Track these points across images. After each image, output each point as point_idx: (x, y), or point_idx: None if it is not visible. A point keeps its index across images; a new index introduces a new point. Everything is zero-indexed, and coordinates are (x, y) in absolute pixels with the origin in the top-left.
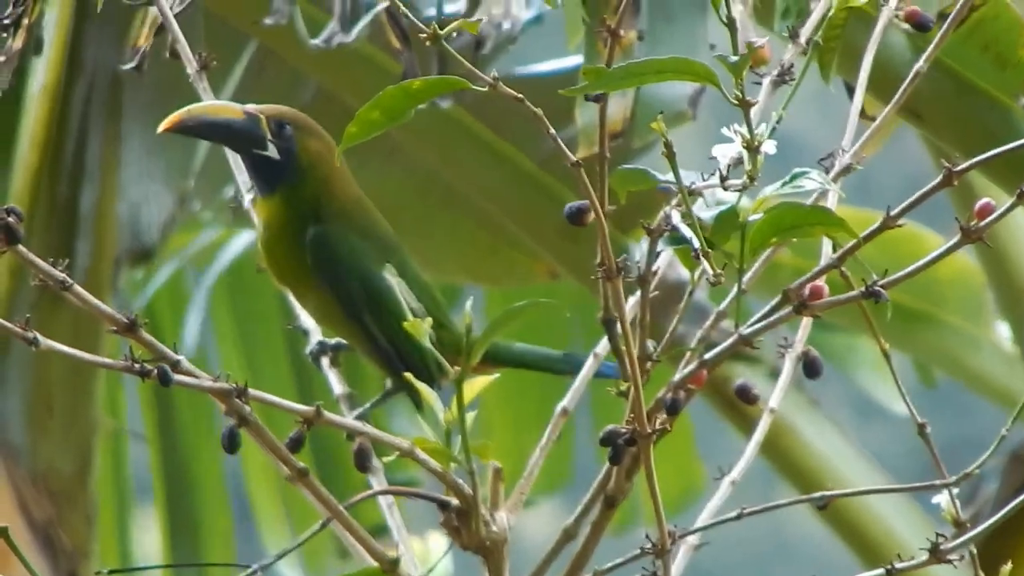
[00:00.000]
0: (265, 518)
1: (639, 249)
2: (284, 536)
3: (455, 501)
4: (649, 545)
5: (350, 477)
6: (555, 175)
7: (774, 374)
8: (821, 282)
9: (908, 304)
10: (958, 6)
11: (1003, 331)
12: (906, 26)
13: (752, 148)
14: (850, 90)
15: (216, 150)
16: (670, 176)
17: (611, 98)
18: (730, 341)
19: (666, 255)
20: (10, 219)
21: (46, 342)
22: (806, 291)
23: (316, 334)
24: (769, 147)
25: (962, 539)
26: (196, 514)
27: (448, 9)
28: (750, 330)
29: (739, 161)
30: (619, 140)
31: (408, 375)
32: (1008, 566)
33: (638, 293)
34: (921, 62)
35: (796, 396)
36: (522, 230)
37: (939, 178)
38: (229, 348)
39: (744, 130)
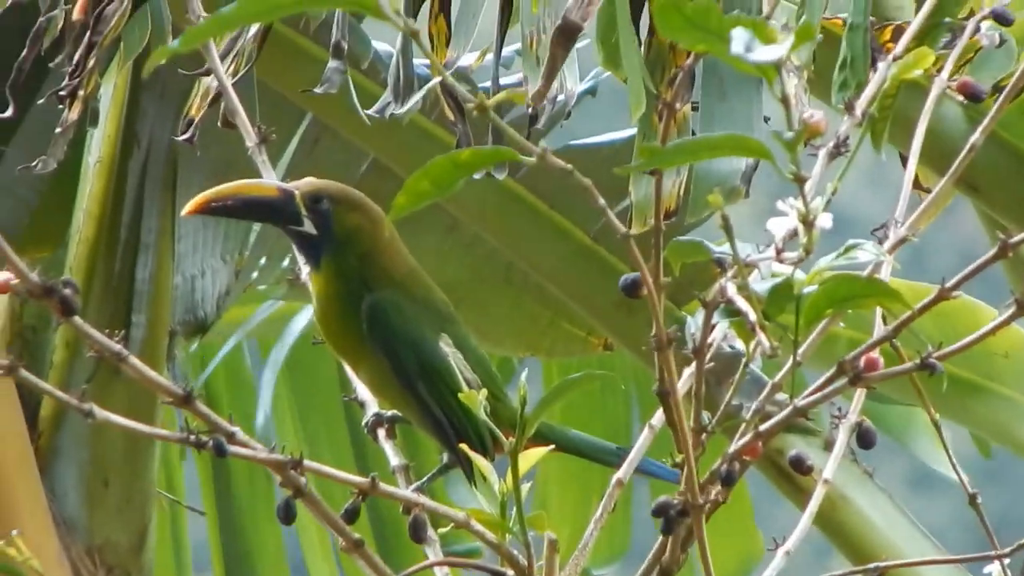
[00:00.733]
0: None
1: (695, 322)
2: None
3: (511, 573)
4: None
5: (410, 547)
6: (610, 247)
7: (828, 446)
8: (876, 354)
9: (963, 376)
10: (1014, 78)
11: None
12: (960, 97)
13: (807, 222)
14: (904, 161)
15: None
16: (724, 248)
17: (665, 174)
18: (785, 412)
19: (721, 327)
20: (66, 291)
21: (102, 414)
22: (861, 363)
23: (373, 406)
24: (825, 221)
25: None
26: None
27: (506, 81)
28: (805, 401)
29: (794, 233)
30: (673, 218)
31: (463, 446)
32: None
33: (693, 365)
34: (977, 134)
35: (850, 467)
36: (578, 303)
37: (994, 250)
38: (287, 420)
39: (799, 204)
